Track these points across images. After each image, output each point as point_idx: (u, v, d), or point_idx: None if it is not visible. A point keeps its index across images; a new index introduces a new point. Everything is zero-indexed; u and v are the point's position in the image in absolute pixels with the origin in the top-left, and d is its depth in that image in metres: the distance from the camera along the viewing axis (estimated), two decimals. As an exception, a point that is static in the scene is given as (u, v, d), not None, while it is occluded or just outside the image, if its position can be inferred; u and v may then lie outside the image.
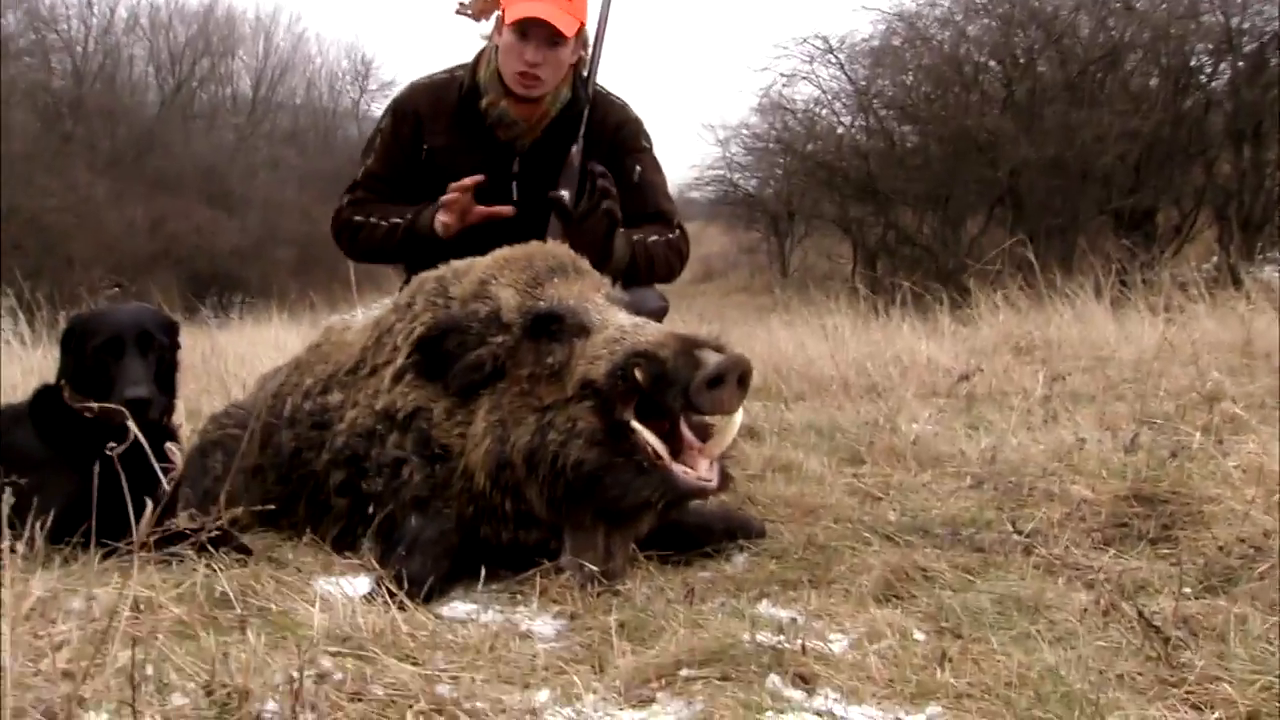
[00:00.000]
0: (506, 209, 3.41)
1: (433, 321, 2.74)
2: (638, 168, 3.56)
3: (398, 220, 3.51)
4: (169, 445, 1.85)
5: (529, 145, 3.53)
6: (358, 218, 3.61)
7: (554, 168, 3.43)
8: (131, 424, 1.78)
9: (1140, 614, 2.13)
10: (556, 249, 2.90)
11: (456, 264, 2.94)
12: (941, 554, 2.71)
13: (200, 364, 5.91)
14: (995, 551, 2.74)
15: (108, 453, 1.68)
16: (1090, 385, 5.17)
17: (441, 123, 3.56)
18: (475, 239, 3.19)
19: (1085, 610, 2.28)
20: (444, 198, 3.34)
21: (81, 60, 32.75)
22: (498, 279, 2.76)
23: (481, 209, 3.37)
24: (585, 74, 3.60)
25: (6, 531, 1.73)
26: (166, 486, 1.75)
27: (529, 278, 2.74)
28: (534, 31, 3.35)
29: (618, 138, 3.58)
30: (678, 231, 3.58)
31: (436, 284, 2.89)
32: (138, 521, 1.65)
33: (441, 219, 3.35)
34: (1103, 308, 7.58)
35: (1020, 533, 2.83)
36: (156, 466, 1.70)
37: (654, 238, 3.46)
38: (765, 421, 4.59)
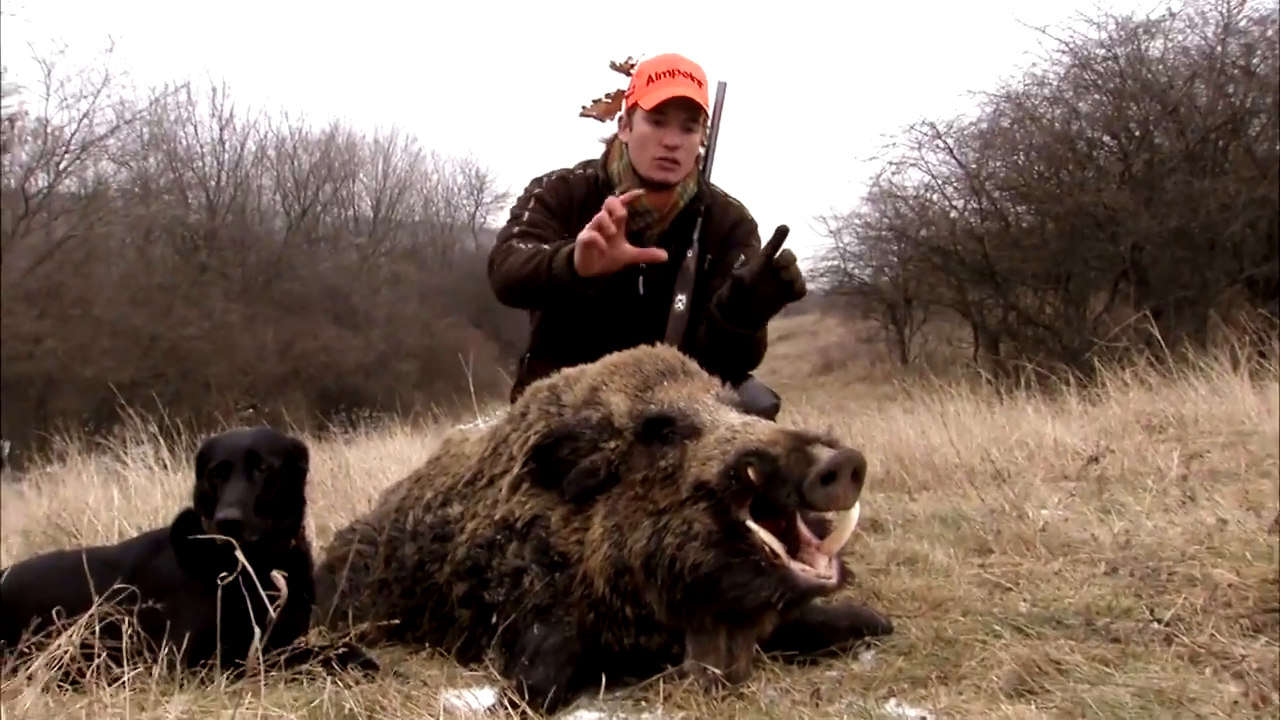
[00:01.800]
0: (660, 253, 3.26)
1: (546, 429, 2.78)
2: (742, 256, 3.57)
3: (543, 247, 3.38)
4: (274, 573, 1.87)
5: (656, 238, 3.57)
6: (511, 242, 3.48)
7: (675, 264, 3.48)
8: (239, 552, 1.82)
9: (1294, 705, 2.03)
10: (664, 352, 2.91)
11: (568, 371, 2.98)
12: (1076, 646, 2.60)
13: (329, 481, 6.06)
14: (1134, 641, 2.62)
15: (218, 583, 1.73)
16: (1230, 462, 4.97)
17: (573, 214, 3.58)
18: (598, 333, 3.21)
19: (1235, 703, 2.17)
20: (584, 235, 3.13)
21: (215, 194, 34.44)
22: (608, 385, 2.79)
23: (631, 250, 3.20)
24: (702, 170, 3.67)
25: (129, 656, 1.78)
26: (273, 614, 1.78)
27: (639, 382, 2.77)
28: (673, 114, 3.43)
29: (732, 235, 3.64)
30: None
31: (549, 392, 2.93)
32: (265, 643, 1.69)
33: (584, 237, 3.13)
34: (1240, 380, 7.30)
35: (1160, 621, 2.69)
36: (263, 594, 1.74)
37: None
38: (888, 513, 4.51)
